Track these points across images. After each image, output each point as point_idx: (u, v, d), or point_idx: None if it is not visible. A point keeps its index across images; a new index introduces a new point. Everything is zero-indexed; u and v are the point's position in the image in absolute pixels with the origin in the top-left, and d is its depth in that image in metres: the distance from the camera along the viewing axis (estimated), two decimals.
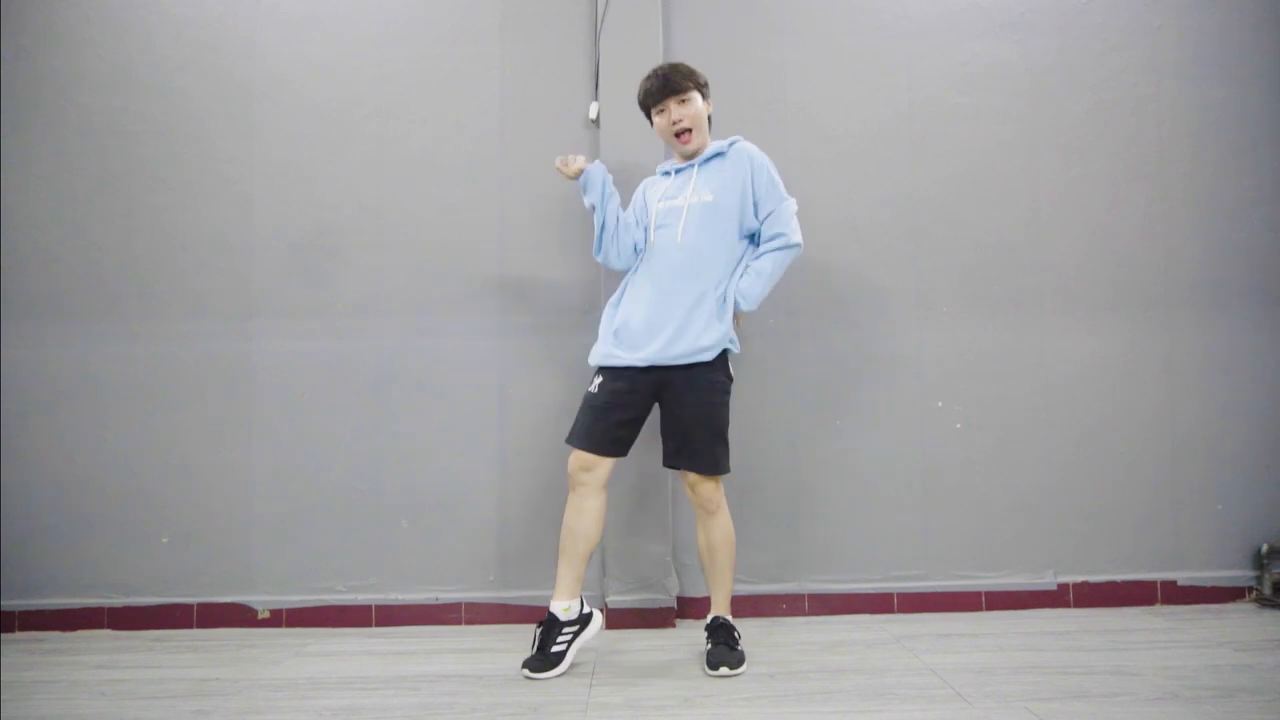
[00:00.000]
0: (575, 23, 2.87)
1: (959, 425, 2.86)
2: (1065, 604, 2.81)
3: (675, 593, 2.73)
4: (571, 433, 2.32)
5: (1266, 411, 2.89)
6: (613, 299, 2.41)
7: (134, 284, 2.84)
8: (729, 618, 2.35)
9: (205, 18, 2.88)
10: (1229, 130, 2.93)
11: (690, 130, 2.34)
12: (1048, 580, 2.82)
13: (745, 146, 2.35)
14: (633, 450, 2.47)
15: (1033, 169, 2.91)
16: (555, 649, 2.24)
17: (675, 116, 2.33)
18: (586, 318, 2.80)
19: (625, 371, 2.29)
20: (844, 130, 2.91)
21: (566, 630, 2.26)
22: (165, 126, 2.86)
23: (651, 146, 2.67)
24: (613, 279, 2.61)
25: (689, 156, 2.39)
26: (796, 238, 2.32)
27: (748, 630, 2.49)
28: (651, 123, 2.42)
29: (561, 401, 2.77)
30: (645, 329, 2.27)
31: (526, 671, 2.21)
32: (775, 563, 2.81)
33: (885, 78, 2.91)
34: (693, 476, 2.30)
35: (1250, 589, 2.85)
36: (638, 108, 2.48)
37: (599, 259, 2.43)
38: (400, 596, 2.78)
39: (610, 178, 2.38)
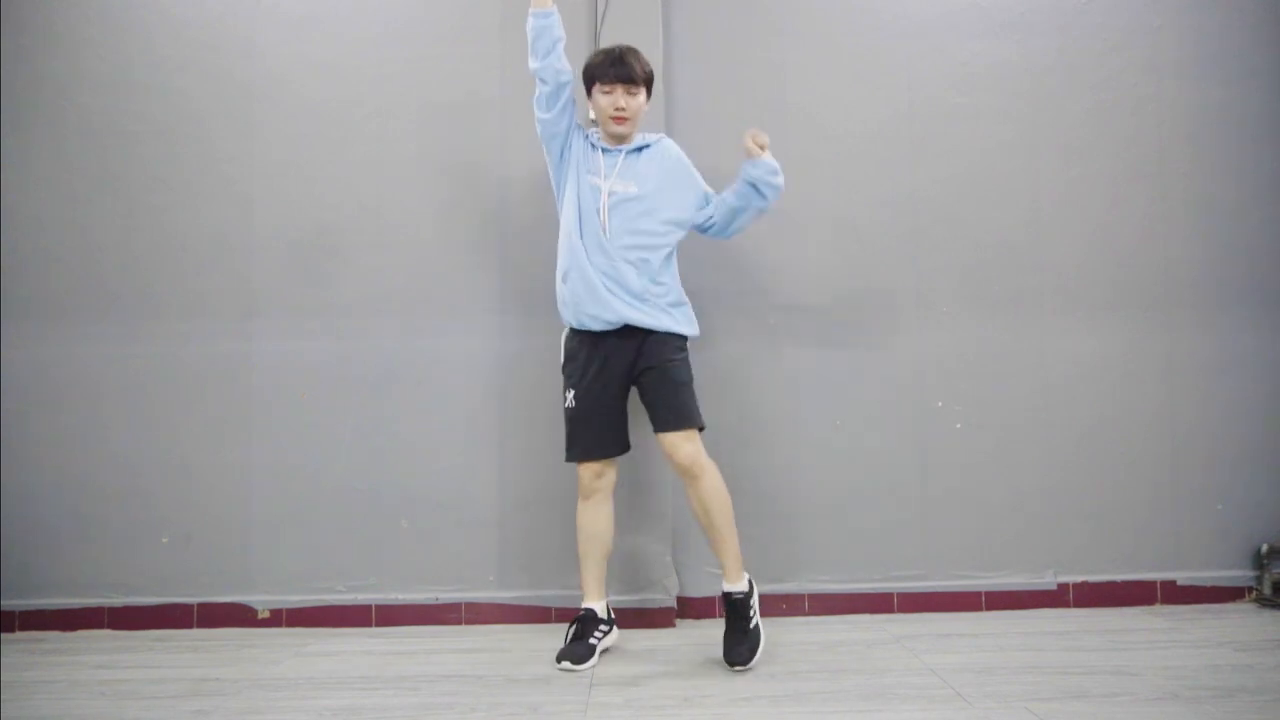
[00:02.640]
0: (575, 23, 2.85)
1: (959, 425, 2.86)
2: (1065, 604, 2.81)
3: (675, 593, 2.73)
4: (571, 451, 2.40)
5: (1266, 412, 2.89)
6: (561, 268, 2.42)
7: (134, 284, 2.83)
8: (743, 588, 2.32)
9: (205, 18, 2.88)
10: (1229, 130, 2.93)
11: (629, 119, 2.39)
12: (1048, 580, 2.82)
13: (672, 146, 2.47)
14: (632, 451, 2.49)
15: (1033, 169, 2.91)
16: (592, 641, 2.32)
17: (621, 104, 2.37)
18: None
19: (600, 339, 2.35)
20: (844, 130, 2.90)
21: (602, 627, 2.37)
22: (165, 126, 2.86)
23: None
24: None
25: (616, 139, 2.42)
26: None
27: None
28: (589, 92, 2.43)
29: (561, 401, 2.76)
30: (594, 297, 2.33)
31: (567, 664, 2.24)
32: (775, 563, 2.80)
33: (885, 78, 2.91)
34: (669, 439, 2.31)
35: (1250, 589, 2.85)
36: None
37: (542, 33, 2.33)
38: (400, 596, 2.78)
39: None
